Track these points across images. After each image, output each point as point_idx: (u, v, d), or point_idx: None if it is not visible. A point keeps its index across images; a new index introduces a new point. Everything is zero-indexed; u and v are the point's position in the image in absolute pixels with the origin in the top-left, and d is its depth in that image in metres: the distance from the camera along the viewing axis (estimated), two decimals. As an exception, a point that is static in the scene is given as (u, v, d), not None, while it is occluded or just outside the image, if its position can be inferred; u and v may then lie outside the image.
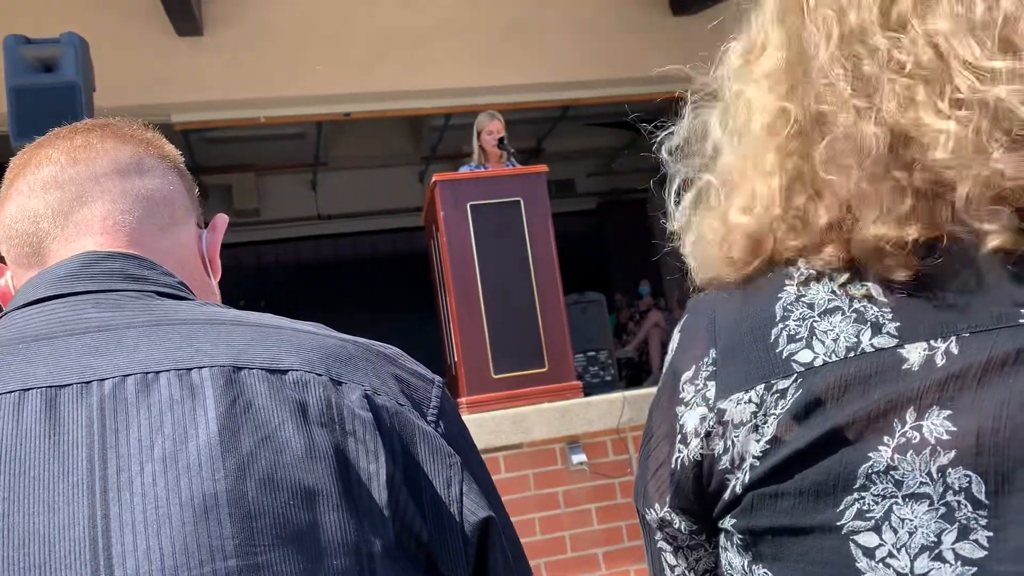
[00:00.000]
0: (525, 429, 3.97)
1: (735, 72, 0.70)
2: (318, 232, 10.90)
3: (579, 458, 4.03)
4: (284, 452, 0.58)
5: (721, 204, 0.68)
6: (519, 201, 4.49)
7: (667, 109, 0.79)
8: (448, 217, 4.42)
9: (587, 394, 4.46)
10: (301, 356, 0.64)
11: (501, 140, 5.02)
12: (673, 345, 0.72)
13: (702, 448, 0.64)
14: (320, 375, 0.63)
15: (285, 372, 0.62)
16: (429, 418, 0.66)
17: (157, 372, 0.60)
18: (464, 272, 4.37)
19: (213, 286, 0.87)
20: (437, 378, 0.71)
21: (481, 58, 6.88)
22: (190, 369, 0.61)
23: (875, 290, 0.58)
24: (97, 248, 0.74)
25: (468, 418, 3.88)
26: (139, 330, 0.64)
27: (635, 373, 8.32)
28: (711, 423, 0.63)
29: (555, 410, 4.08)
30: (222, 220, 0.90)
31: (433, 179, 4.55)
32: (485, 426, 3.85)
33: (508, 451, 3.90)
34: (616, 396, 4.23)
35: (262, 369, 0.62)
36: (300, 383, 0.62)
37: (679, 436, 0.66)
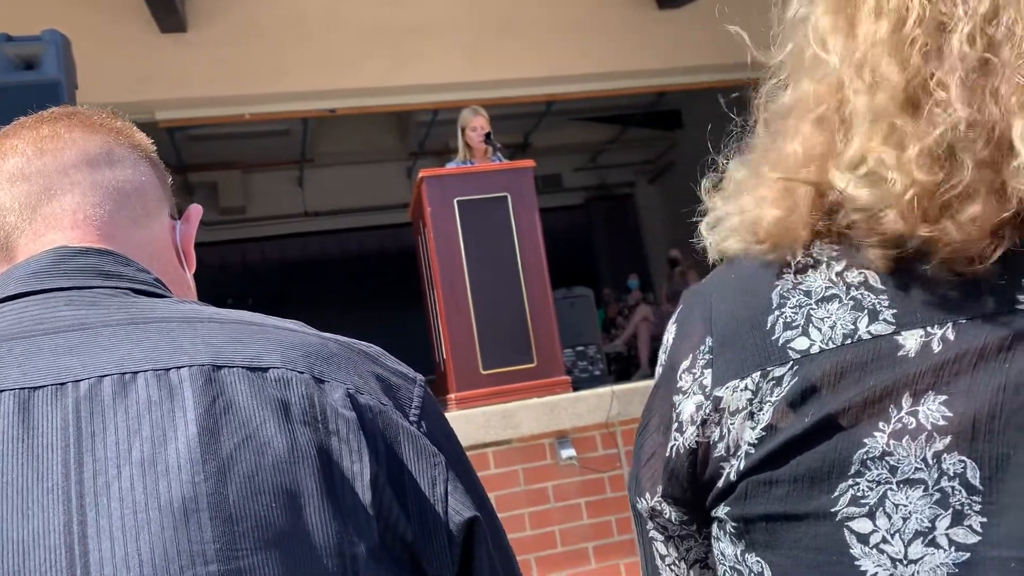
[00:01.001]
0: (514, 424, 3.97)
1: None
2: (305, 229, 10.87)
3: (568, 453, 4.04)
4: (266, 453, 0.57)
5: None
6: (506, 196, 4.49)
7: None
8: (435, 213, 4.41)
9: (576, 389, 4.46)
10: (283, 354, 0.62)
11: (488, 135, 5.02)
12: (669, 337, 0.72)
13: (698, 436, 0.64)
14: (302, 373, 0.61)
15: (266, 370, 0.61)
16: (412, 418, 0.65)
17: (134, 372, 0.58)
18: (452, 268, 4.36)
19: (188, 279, 0.84)
20: (419, 377, 0.70)
21: (467, 53, 6.87)
22: (168, 369, 0.59)
23: (872, 278, 0.59)
24: (68, 243, 0.71)
25: (457, 414, 3.88)
26: (115, 329, 0.62)
27: (624, 367, 8.33)
28: (707, 411, 0.63)
29: (544, 405, 4.08)
30: (196, 211, 0.87)
31: (420, 175, 4.54)
32: (474, 422, 3.85)
33: (497, 447, 3.90)
34: (605, 391, 4.24)
35: (243, 367, 0.60)
36: (282, 381, 0.60)
37: (675, 424, 0.66)
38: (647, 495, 0.70)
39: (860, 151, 0.58)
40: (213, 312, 0.67)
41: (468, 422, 3.81)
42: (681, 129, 10.33)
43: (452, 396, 4.17)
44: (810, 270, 0.62)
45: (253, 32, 6.49)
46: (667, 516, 0.69)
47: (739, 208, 0.67)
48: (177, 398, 0.57)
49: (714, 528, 0.66)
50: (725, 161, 0.72)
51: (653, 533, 0.72)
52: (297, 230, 10.84)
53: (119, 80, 5.92)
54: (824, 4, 0.64)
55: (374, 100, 7.17)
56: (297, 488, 0.56)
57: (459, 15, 6.86)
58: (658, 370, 0.72)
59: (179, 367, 0.59)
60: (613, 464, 4.16)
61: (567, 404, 4.13)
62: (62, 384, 0.58)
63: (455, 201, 4.42)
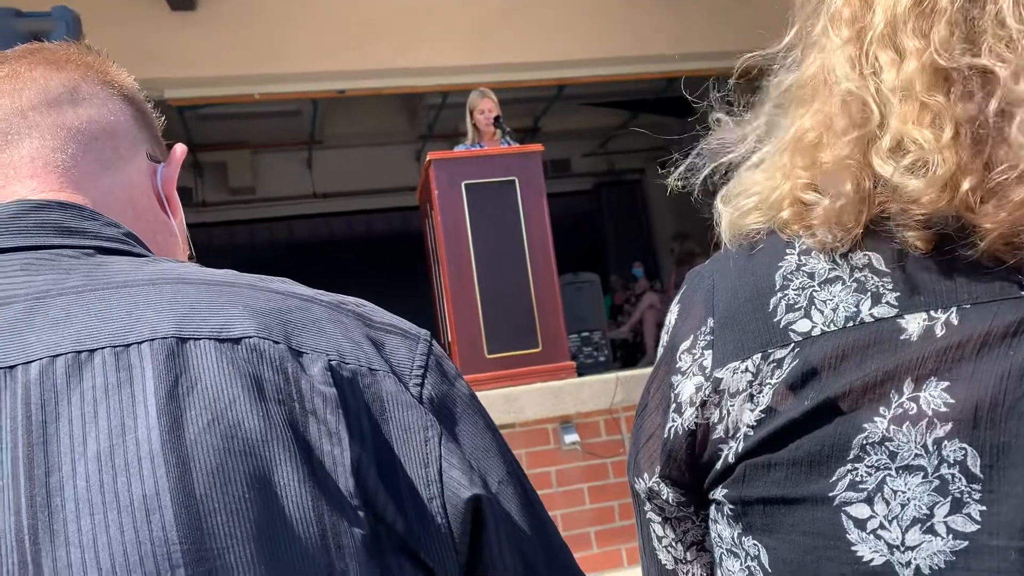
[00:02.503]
0: (518, 409, 3.98)
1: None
2: (313, 211, 10.85)
3: (572, 438, 4.05)
4: (235, 436, 0.50)
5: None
6: (514, 180, 4.47)
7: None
8: (442, 196, 4.40)
9: (581, 374, 4.47)
10: (257, 320, 0.55)
11: (497, 119, 4.99)
12: (671, 317, 0.71)
13: (696, 417, 0.63)
14: (277, 343, 0.54)
15: (238, 340, 0.53)
16: (412, 381, 0.58)
17: (91, 351, 0.52)
18: (458, 251, 4.36)
19: (173, 226, 0.75)
20: (423, 332, 0.62)
21: (477, 36, 6.83)
22: (128, 345, 0.52)
23: (876, 260, 0.58)
24: (28, 195, 0.63)
25: (462, 397, 3.88)
26: (73, 297, 0.55)
27: (629, 354, 8.33)
28: (707, 392, 0.63)
29: (548, 390, 4.09)
30: (180, 151, 0.78)
31: (428, 158, 4.53)
32: (478, 405, 3.84)
33: (501, 430, 3.90)
34: (609, 376, 4.24)
35: (210, 338, 0.53)
36: (256, 352, 0.53)
37: (673, 405, 0.66)
38: (645, 475, 0.69)
39: (897, 132, 0.56)
40: (185, 272, 0.59)
41: (472, 405, 3.81)
42: (692, 116, 10.26)
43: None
44: (814, 251, 0.61)
45: (263, 11, 6.46)
46: (664, 497, 0.69)
47: (764, 185, 0.65)
48: (137, 379, 0.51)
49: (712, 510, 0.66)
50: (729, 145, 0.71)
51: (651, 514, 0.72)
52: (306, 211, 10.84)
53: (128, 58, 5.87)
54: None
55: (384, 82, 7.14)
56: (273, 474, 0.50)
57: (470, -3, 6.82)
58: (659, 350, 0.72)
59: (140, 342, 0.52)
60: (616, 450, 4.17)
61: (571, 389, 4.13)
62: (11, 368, 0.51)
63: (463, 184, 4.41)
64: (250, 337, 0.54)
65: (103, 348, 0.52)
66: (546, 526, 0.62)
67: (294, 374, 0.54)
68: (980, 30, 0.55)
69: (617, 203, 11.55)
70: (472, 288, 4.33)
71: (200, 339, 0.53)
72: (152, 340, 0.52)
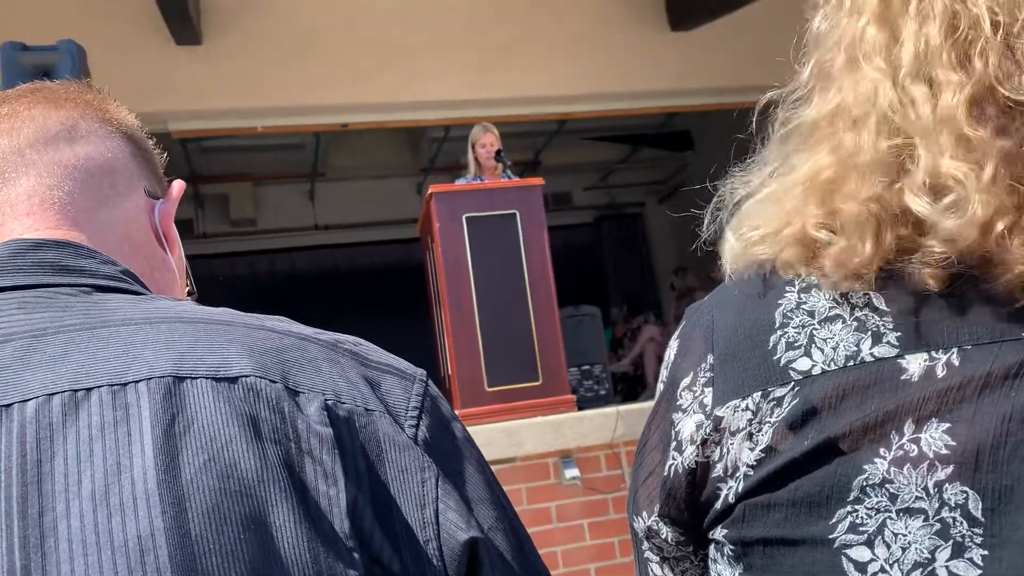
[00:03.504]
0: (517, 443, 3.95)
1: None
2: (315, 242, 10.88)
3: (572, 473, 4.01)
4: (231, 477, 0.50)
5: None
6: (515, 214, 4.49)
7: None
8: (443, 229, 4.41)
9: (581, 408, 4.44)
10: (254, 359, 0.55)
11: (498, 152, 5.03)
12: (671, 353, 0.70)
13: (697, 456, 0.63)
14: (274, 382, 0.54)
15: (235, 380, 0.53)
16: (408, 422, 0.57)
17: (88, 389, 0.52)
18: (459, 284, 4.36)
19: (171, 262, 0.75)
20: (419, 372, 0.62)
21: (479, 71, 6.90)
22: (125, 384, 0.52)
23: (877, 299, 0.57)
24: (24, 233, 0.64)
25: (461, 431, 3.85)
26: (70, 335, 0.55)
27: (631, 388, 8.30)
28: (707, 430, 0.62)
29: (548, 424, 4.06)
30: (178, 187, 0.78)
31: (429, 191, 4.55)
32: (477, 439, 3.79)
33: (500, 465, 3.87)
34: (610, 411, 4.22)
35: (207, 377, 0.53)
36: (252, 392, 0.53)
37: (673, 443, 0.65)
38: (644, 514, 0.68)
39: (934, 168, 0.54)
40: (182, 310, 0.60)
41: (472, 439, 3.79)
42: (692, 151, 10.35)
43: (456, 413, 4.15)
44: (814, 289, 0.60)
45: (267, 46, 6.53)
46: (664, 536, 0.68)
47: (774, 219, 0.64)
48: (134, 418, 0.51)
49: (711, 550, 0.64)
50: (736, 181, 0.69)
51: (648, 554, 0.71)
52: (307, 243, 10.87)
53: (133, 91, 5.94)
54: (860, 11, 0.60)
55: (386, 116, 7.20)
56: (268, 515, 0.50)
57: (472, 33, 6.89)
58: (659, 386, 0.71)
59: (137, 381, 0.52)
60: (617, 484, 4.13)
61: (572, 423, 4.11)
62: (7, 406, 0.51)
63: (464, 217, 4.43)
64: (247, 376, 0.54)
65: (100, 387, 0.52)
66: (537, 567, 0.62)
67: (290, 413, 0.53)
68: (1020, 60, 0.54)
69: (618, 236, 11.58)
70: (472, 321, 4.33)
71: (197, 378, 0.53)
72: (149, 379, 0.52)
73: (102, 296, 0.60)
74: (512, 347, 4.32)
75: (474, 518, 0.57)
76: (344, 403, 0.55)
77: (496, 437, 3.87)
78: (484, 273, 4.38)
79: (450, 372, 4.36)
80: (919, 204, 0.55)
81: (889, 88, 0.57)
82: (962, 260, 0.54)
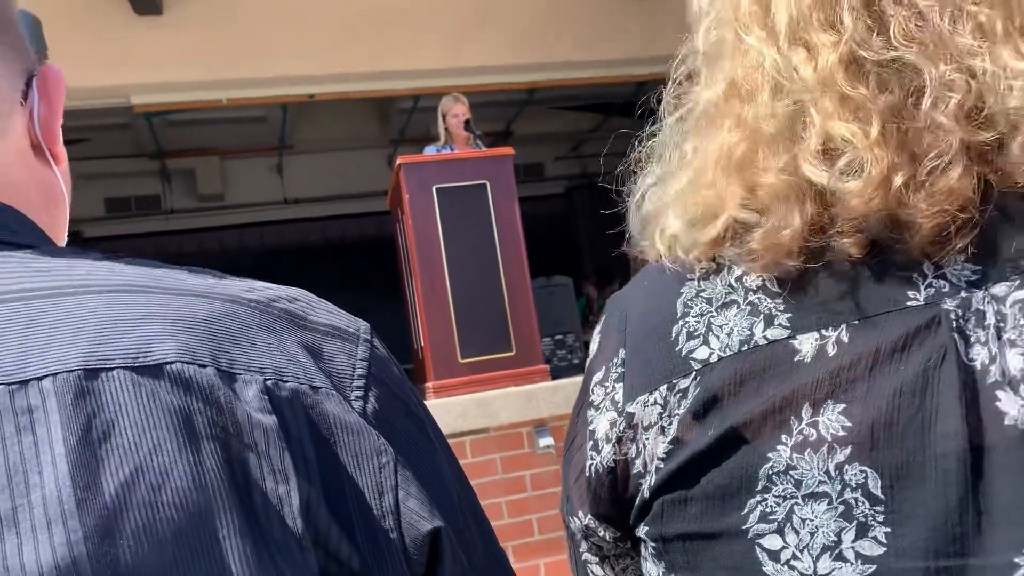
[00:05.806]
0: (491, 413, 3.96)
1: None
2: (284, 217, 10.78)
3: (546, 442, 4.04)
4: (163, 488, 0.41)
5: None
6: (485, 184, 4.46)
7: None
8: (413, 200, 4.38)
9: (555, 377, 4.46)
10: (178, 337, 0.46)
11: (468, 122, 4.99)
12: (592, 347, 0.69)
13: (615, 454, 0.62)
14: (204, 366, 0.45)
15: (158, 368, 0.44)
16: (355, 393, 0.50)
17: None
18: (430, 256, 4.34)
19: (60, 186, 0.61)
20: (362, 328, 0.54)
21: (449, 39, 6.83)
22: (26, 381, 0.42)
23: (770, 281, 0.56)
24: None
25: (435, 403, 3.86)
26: None
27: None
28: (621, 427, 0.61)
29: (521, 394, 4.08)
30: (54, 76, 0.62)
31: (398, 162, 4.51)
32: (452, 411, 3.83)
33: (475, 435, 3.89)
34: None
35: (125, 368, 0.43)
36: (180, 382, 0.44)
37: (590, 443, 0.64)
38: (580, 513, 0.67)
39: (822, 130, 0.53)
40: (87, 272, 0.49)
41: (446, 411, 3.80)
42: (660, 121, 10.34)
43: (430, 384, 4.15)
44: (712, 275, 0.59)
45: (231, 15, 6.41)
46: (601, 535, 0.67)
47: (696, 205, 0.61)
48: (40, 425, 0.41)
49: (641, 548, 0.63)
50: (644, 171, 0.67)
51: (587, 555, 0.70)
52: (276, 218, 10.76)
53: (93, 63, 5.83)
54: None
55: (354, 86, 7.11)
56: (210, 529, 0.42)
57: (440, 1, 6.81)
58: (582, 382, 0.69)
59: (40, 377, 0.42)
60: (591, 453, 4.17)
61: (545, 393, 4.13)
62: None
63: (434, 188, 4.39)
64: (172, 363, 0.45)
65: None
66: (496, 549, 0.58)
67: (227, 403, 0.45)
68: (887, 13, 0.53)
69: (590, 207, 11.59)
70: (445, 292, 4.32)
71: (114, 368, 0.43)
72: (56, 374, 0.42)
73: None
74: (485, 318, 4.32)
75: (435, 505, 0.51)
76: (286, 382, 0.48)
77: (470, 408, 3.88)
78: (455, 244, 4.36)
79: (423, 344, 4.35)
80: (815, 172, 0.53)
81: (775, 53, 0.56)
82: (874, 227, 0.53)
